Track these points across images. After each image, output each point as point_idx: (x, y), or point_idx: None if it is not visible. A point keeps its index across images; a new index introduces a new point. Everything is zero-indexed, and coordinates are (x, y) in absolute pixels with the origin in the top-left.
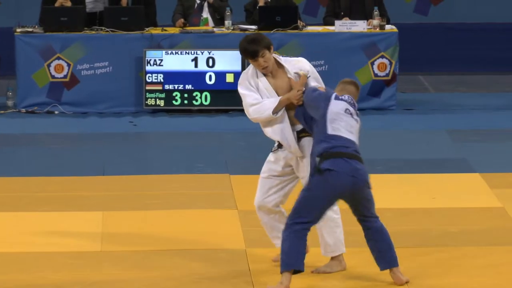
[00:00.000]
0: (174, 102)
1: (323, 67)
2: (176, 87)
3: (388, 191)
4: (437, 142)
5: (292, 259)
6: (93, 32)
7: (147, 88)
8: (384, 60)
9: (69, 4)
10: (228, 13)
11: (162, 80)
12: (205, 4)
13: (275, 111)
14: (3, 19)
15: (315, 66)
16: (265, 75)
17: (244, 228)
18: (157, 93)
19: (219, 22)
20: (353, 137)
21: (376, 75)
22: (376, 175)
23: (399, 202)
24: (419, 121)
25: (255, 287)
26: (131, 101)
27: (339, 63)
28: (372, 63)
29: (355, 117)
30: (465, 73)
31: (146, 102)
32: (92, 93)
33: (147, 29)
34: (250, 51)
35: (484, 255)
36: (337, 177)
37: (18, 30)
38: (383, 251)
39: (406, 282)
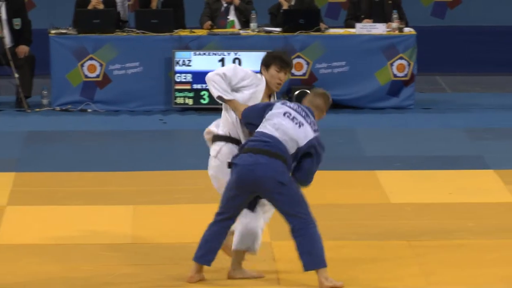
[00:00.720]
0: (202, 101)
1: (345, 68)
2: (204, 87)
3: (407, 187)
4: (454, 140)
5: (204, 252)
6: (124, 33)
7: (176, 87)
8: (403, 61)
9: (101, 6)
10: (253, 15)
11: (190, 80)
12: (232, 7)
13: (222, 99)
14: (38, 21)
15: (337, 67)
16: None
17: (269, 221)
18: (185, 92)
19: (244, 24)
20: (278, 134)
21: (395, 75)
22: (395, 171)
23: (418, 197)
24: (437, 119)
25: (279, 277)
26: (160, 100)
27: (360, 64)
28: (391, 64)
29: (296, 121)
30: (480, 74)
31: (175, 101)
32: (124, 92)
33: (176, 31)
34: (288, 61)
35: (499, 249)
36: (239, 170)
37: (52, 31)
38: (304, 252)
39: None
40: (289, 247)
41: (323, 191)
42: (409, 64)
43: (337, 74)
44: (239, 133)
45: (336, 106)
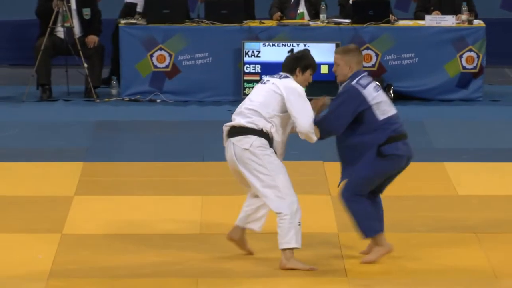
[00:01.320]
0: None
1: (414, 59)
2: None
3: (475, 179)
4: None
5: (374, 222)
6: (194, 24)
7: (245, 78)
8: (472, 54)
9: None
10: (322, 7)
11: (259, 71)
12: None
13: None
14: (107, 10)
15: (406, 58)
16: None
17: (337, 212)
18: (254, 83)
19: (314, 16)
20: (394, 108)
21: (464, 67)
22: (463, 163)
23: (485, 190)
24: (505, 112)
25: (346, 268)
26: (229, 90)
27: (429, 55)
28: (461, 56)
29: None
30: None
31: (244, 91)
32: (193, 82)
33: (245, 21)
34: None
35: None
36: (403, 160)
37: (122, 21)
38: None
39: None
40: (356, 238)
41: (392, 183)
42: (478, 56)
43: (406, 66)
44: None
45: (405, 97)
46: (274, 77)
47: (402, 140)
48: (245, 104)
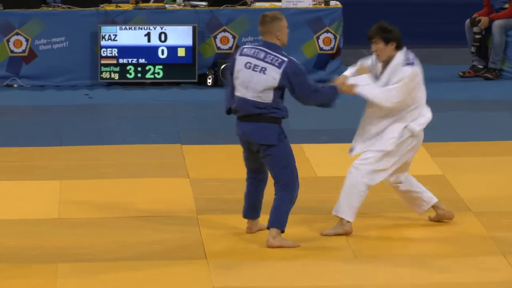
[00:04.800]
0: (128, 75)
1: None
2: (130, 61)
3: (333, 160)
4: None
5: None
6: (50, 8)
7: (102, 62)
8: (329, 35)
9: None
10: None
11: (116, 55)
12: None
13: None
14: None
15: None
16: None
17: (195, 196)
18: (111, 67)
19: None
20: (249, 92)
21: (321, 49)
22: (321, 144)
23: (344, 171)
24: None
25: (206, 252)
26: (86, 74)
27: None
28: (318, 38)
29: (259, 67)
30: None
31: (101, 75)
32: (50, 67)
33: (102, 5)
34: (369, 33)
35: (427, 220)
36: (240, 140)
37: None
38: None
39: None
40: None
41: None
42: (335, 38)
43: None
44: None
45: None
46: None
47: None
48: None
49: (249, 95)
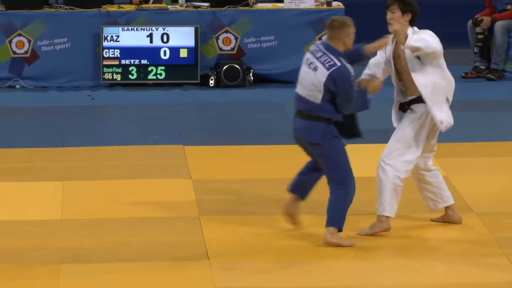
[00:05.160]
0: (130, 76)
1: (273, 42)
2: (132, 62)
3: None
4: (383, 113)
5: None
6: (52, 9)
7: (105, 63)
8: None
9: None
10: None
11: (118, 56)
12: None
13: None
14: None
15: (265, 41)
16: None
17: (198, 197)
18: (114, 68)
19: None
20: (302, 89)
21: None
22: None
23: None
24: None
25: (209, 252)
26: (89, 75)
27: (288, 38)
28: (320, 38)
29: (313, 65)
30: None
31: (104, 76)
32: (52, 68)
33: (104, 6)
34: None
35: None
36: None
37: None
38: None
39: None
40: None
41: (253, 166)
42: None
43: (265, 48)
44: None
45: (265, 80)
46: None
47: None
48: None
49: (302, 92)
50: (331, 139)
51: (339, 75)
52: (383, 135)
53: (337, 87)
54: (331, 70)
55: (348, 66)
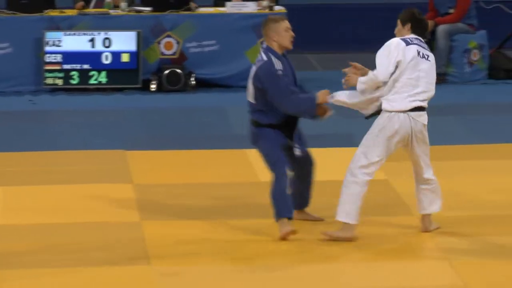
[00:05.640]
0: (72, 81)
1: (215, 46)
2: (74, 67)
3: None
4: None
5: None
6: None
7: (46, 68)
8: None
9: None
10: None
11: (61, 60)
12: None
13: None
14: None
15: (207, 46)
16: None
17: (139, 201)
18: (55, 73)
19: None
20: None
21: None
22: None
23: None
24: None
25: (150, 257)
26: (30, 80)
27: (231, 42)
28: (262, 43)
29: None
30: (350, 51)
31: (45, 81)
32: None
33: (46, 11)
34: None
35: (372, 224)
36: None
37: None
38: None
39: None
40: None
41: (195, 170)
42: None
43: (207, 53)
44: None
45: (207, 85)
46: (426, 48)
47: None
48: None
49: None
50: (262, 141)
51: (263, 71)
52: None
53: (263, 83)
54: (257, 66)
55: (275, 61)
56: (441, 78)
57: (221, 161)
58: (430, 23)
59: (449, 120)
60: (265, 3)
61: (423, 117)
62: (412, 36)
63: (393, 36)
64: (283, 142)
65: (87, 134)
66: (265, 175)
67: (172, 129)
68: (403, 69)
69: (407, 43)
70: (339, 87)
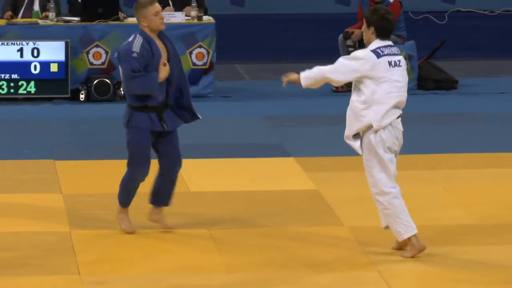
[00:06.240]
0: (0, 91)
1: None
2: (2, 77)
3: (208, 175)
4: (254, 127)
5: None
6: None
7: None
8: (202, 50)
9: None
10: (52, 5)
11: None
12: None
13: None
14: None
15: None
16: None
17: (68, 211)
18: None
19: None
20: None
21: (194, 64)
22: (194, 159)
23: (218, 186)
24: (236, 107)
25: (80, 267)
26: None
27: None
28: (191, 53)
29: None
30: (280, 61)
31: None
32: None
33: None
34: None
35: (302, 235)
36: None
37: None
38: None
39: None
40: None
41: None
42: (208, 53)
43: None
44: None
45: None
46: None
47: None
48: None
49: None
50: (131, 127)
51: (120, 50)
52: None
53: (120, 63)
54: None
55: (137, 43)
56: None
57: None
58: (358, 31)
59: None
60: (193, 13)
61: (400, 124)
62: (381, 43)
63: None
64: (154, 127)
65: (16, 143)
66: (196, 185)
67: (101, 139)
68: (378, 82)
69: (378, 55)
70: (268, 97)
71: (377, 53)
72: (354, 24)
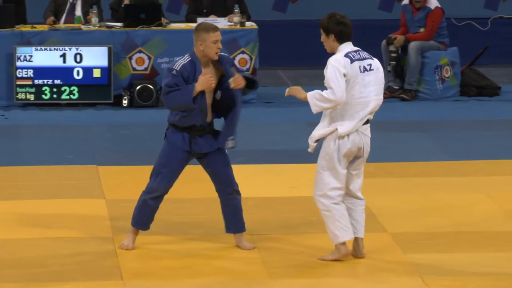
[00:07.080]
0: (43, 96)
1: None
2: (45, 82)
3: (251, 181)
4: (296, 133)
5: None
6: None
7: (18, 83)
8: (245, 56)
9: None
10: (94, 11)
11: (32, 75)
12: (78, 3)
13: None
14: None
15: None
16: None
17: (111, 216)
18: (27, 88)
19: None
20: None
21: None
22: (238, 165)
23: (261, 192)
24: (279, 113)
25: (123, 272)
26: (2, 95)
27: None
28: (233, 59)
29: None
30: (321, 67)
31: (17, 96)
32: None
33: (17, 26)
34: None
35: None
36: None
37: None
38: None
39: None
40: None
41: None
42: (251, 58)
43: None
44: None
45: None
46: (365, 57)
47: None
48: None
49: None
50: (166, 141)
51: (166, 67)
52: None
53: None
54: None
55: (181, 61)
56: (413, 95)
57: (194, 176)
58: (401, 37)
59: (420, 137)
60: (236, 19)
61: (368, 130)
62: (350, 49)
63: (369, 51)
64: (184, 147)
65: (59, 149)
66: (240, 190)
67: (143, 145)
68: (350, 87)
69: (351, 60)
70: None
71: (350, 57)
72: (397, 30)
